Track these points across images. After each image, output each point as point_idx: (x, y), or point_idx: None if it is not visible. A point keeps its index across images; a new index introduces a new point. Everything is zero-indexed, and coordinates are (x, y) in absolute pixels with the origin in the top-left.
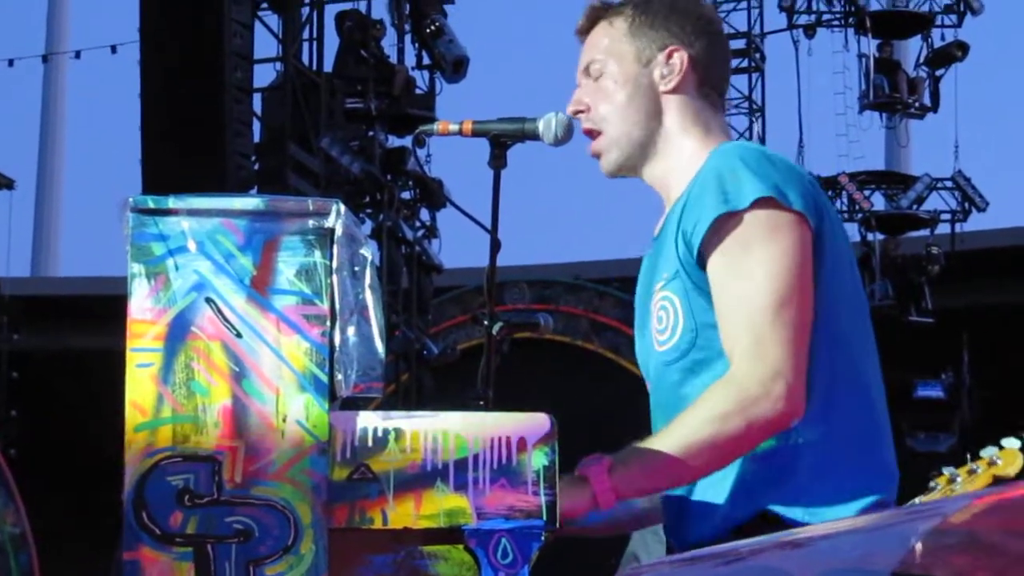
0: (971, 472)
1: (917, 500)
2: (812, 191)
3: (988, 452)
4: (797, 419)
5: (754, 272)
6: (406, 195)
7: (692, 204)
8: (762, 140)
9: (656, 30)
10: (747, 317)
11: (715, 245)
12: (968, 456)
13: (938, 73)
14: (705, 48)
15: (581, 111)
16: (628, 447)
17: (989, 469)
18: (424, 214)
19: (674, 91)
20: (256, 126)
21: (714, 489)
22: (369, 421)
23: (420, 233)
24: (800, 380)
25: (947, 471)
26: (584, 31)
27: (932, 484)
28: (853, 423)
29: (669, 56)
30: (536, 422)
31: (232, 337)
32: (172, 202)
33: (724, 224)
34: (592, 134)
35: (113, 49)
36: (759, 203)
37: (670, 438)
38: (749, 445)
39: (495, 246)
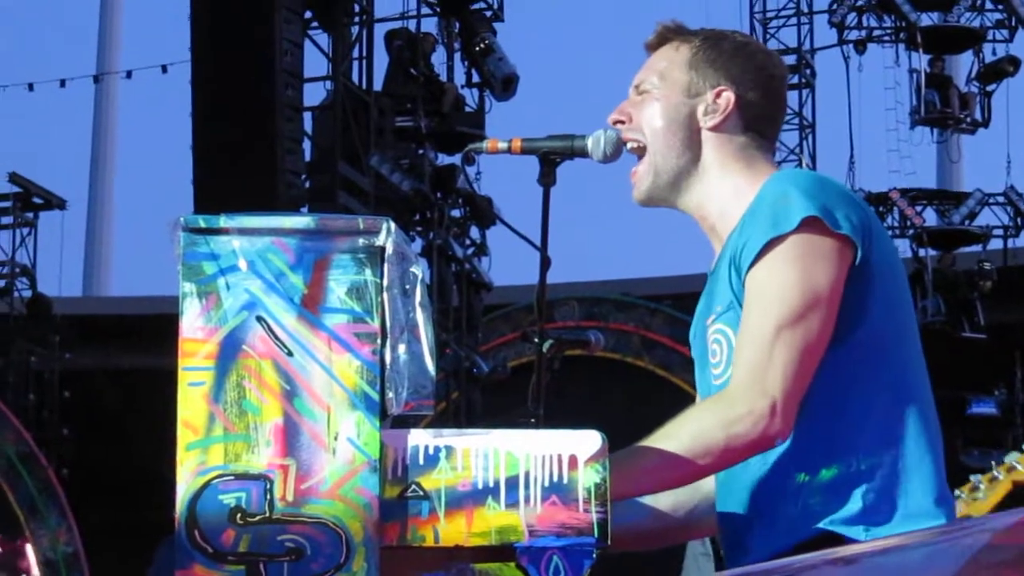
0: (992, 479)
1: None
2: (862, 215)
3: (1010, 458)
4: (782, 440)
5: (771, 292)
6: (456, 213)
7: (745, 228)
8: (813, 156)
9: (715, 68)
10: (751, 335)
11: (754, 267)
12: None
13: (989, 88)
14: (759, 98)
15: (621, 121)
16: (616, 452)
17: (1009, 475)
18: (474, 232)
19: (715, 129)
20: (306, 144)
21: (774, 510)
22: (420, 439)
23: (470, 251)
24: (791, 402)
25: (972, 478)
26: (652, 47)
27: (956, 493)
28: (916, 446)
29: (717, 95)
30: (587, 439)
31: (283, 355)
32: (223, 221)
33: (770, 247)
34: (630, 143)
35: (164, 69)
36: (805, 223)
37: (654, 447)
38: (729, 460)
39: (545, 263)
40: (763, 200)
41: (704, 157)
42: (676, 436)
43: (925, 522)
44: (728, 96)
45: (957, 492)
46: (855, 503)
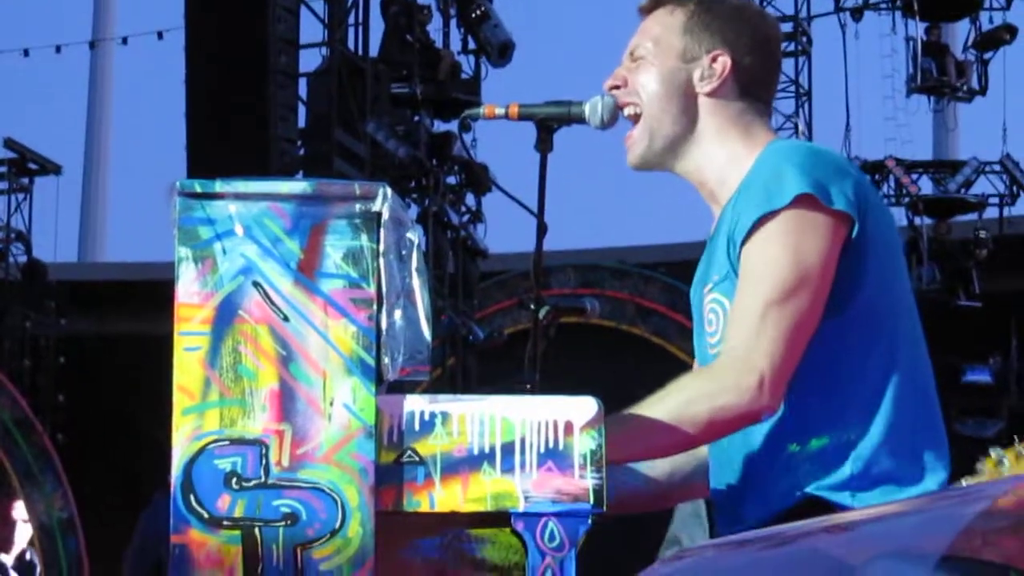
0: (1019, 456)
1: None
2: (858, 188)
3: None
4: (769, 414)
5: (763, 267)
6: (452, 180)
7: (740, 202)
8: (809, 124)
9: (711, 33)
10: (744, 308)
11: (748, 242)
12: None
13: (986, 56)
14: (755, 62)
15: (617, 85)
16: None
17: None
18: (470, 199)
19: (711, 94)
20: (301, 111)
21: (765, 480)
22: (416, 404)
23: (466, 218)
24: (779, 376)
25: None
26: (646, 11)
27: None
28: (905, 417)
29: (713, 60)
30: (583, 405)
31: (279, 321)
32: (219, 186)
33: (763, 222)
34: (627, 107)
35: (159, 35)
36: (798, 200)
37: (641, 415)
38: (715, 432)
39: (541, 230)
40: (758, 174)
41: (700, 123)
42: (662, 405)
43: (912, 490)
44: (724, 61)
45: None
46: (843, 470)
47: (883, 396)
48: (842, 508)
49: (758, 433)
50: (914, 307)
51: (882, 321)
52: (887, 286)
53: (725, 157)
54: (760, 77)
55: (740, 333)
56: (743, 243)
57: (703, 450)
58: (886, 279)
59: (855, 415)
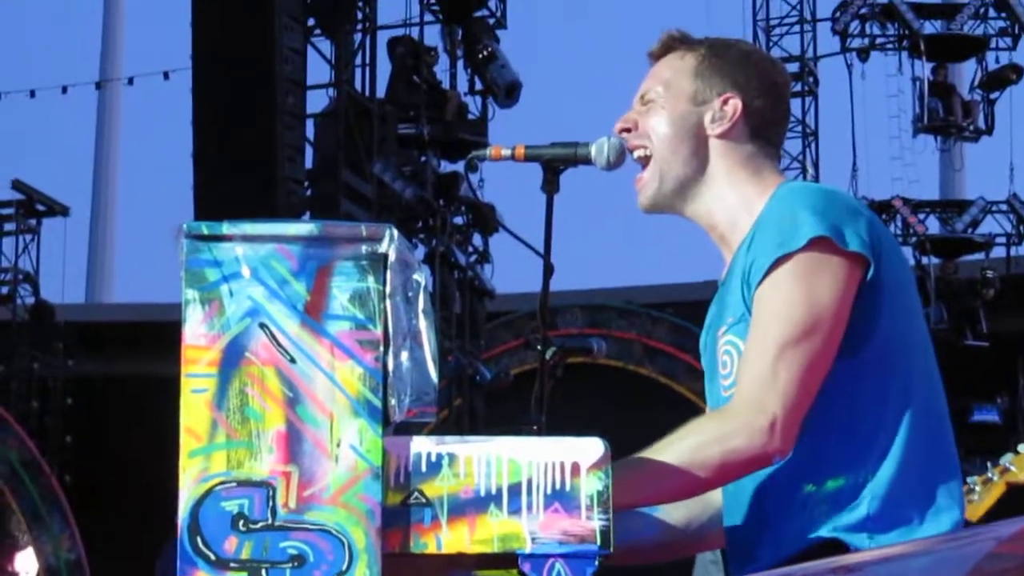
0: (987, 481)
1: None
2: (873, 228)
3: (1004, 459)
4: (781, 457)
5: (777, 309)
6: (458, 220)
7: (755, 245)
8: (816, 164)
9: (722, 76)
10: (757, 350)
11: (762, 284)
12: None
13: (993, 96)
14: (765, 105)
15: (627, 129)
16: (614, 463)
17: (1003, 477)
18: (477, 239)
19: (722, 136)
20: (308, 152)
21: (780, 521)
22: (423, 446)
23: (473, 258)
24: (791, 419)
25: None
26: (656, 56)
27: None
28: (920, 456)
29: (724, 102)
30: (589, 446)
31: (286, 363)
32: (226, 228)
33: (778, 264)
34: (636, 150)
35: (166, 75)
36: (813, 243)
37: (652, 459)
38: (727, 476)
39: (548, 271)
40: (771, 217)
41: (711, 165)
42: (674, 449)
43: (929, 530)
44: (735, 103)
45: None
46: (859, 511)
47: (898, 436)
48: (859, 550)
49: (773, 474)
50: (929, 343)
51: (897, 360)
52: (902, 325)
53: (736, 200)
54: (770, 120)
55: (752, 375)
56: (758, 285)
57: (717, 498)
58: (901, 318)
59: (870, 455)
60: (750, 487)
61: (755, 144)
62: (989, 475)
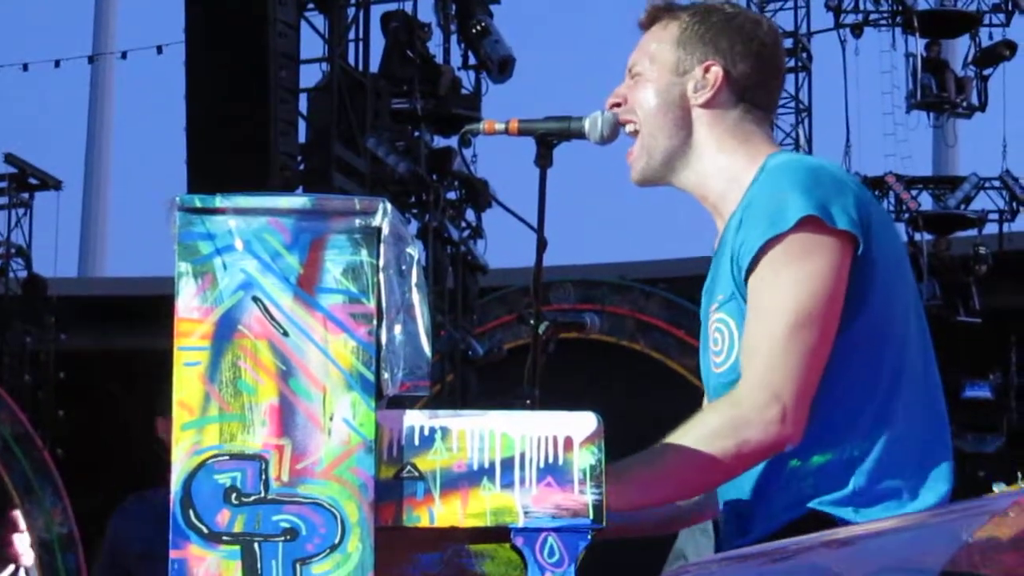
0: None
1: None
2: (861, 204)
3: None
4: (792, 444)
5: (776, 294)
6: (452, 195)
7: (744, 225)
8: (809, 140)
9: (704, 43)
10: (759, 338)
11: (756, 267)
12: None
13: (986, 72)
14: (750, 68)
15: (618, 103)
16: (625, 459)
17: None
18: (470, 214)
19: (706, 105)
20: (302, 126)
21: (769, 492)
22: (416, 420)
23: (466, 233)
24: (801, 405)
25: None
26: (644, 27)
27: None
28: (910, 431)
29: (705, 70)
30: (582, 421)
31: (279, 336)
32: (219, 201)
33: (768, 247)
34: (627, 123)
35: (159, 50)
36: (803, 223)
37: (666, 453)
38: (741, 466)
39: (541, 245)
40: (759, 195)
41: (697, 135)
42: (686, 443)
43: (915, 504)
44: (716, 71)
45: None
46: (846, 485)
47: (888, 411)
48: (845, 523)
49: None
50: (923, 317)
51: (888, 336)
52: (893, 300)
53: (725, 169)
54: (756, 83)
55: (758, 364)
56: (750, 269)
57: None
58: (892, 293)
59: (859, 430)
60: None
61: (741, 110)
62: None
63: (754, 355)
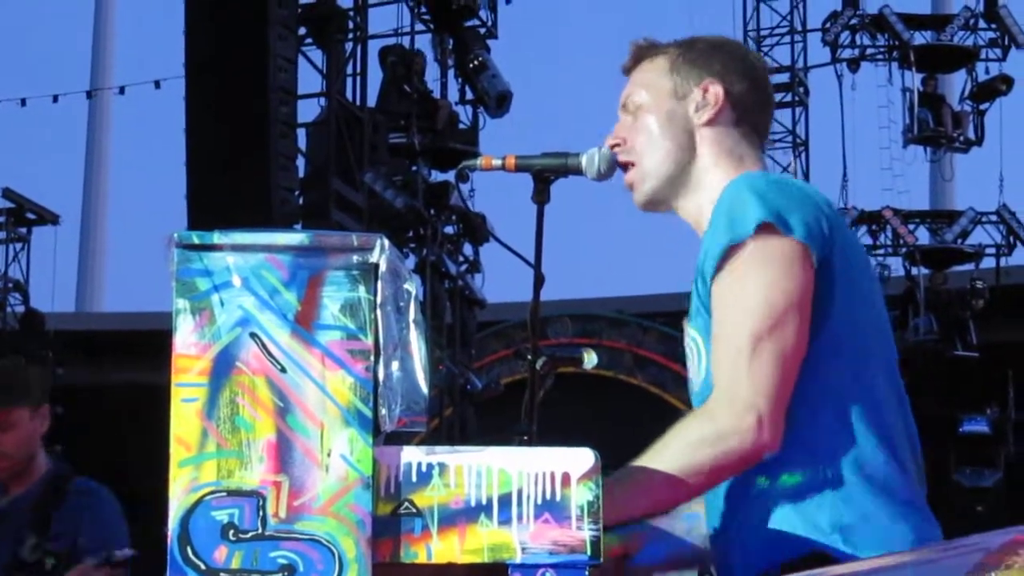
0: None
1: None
2: (823, 219)
3: None
4: (770, 451)
5: (739, 303)
6: (449, 230)
7: (706, 237)
8: (806, 174)
9: (697, 67)
10: (729, 348)
11: (718, 274)
12: None
13: (982, 107)
14: (745, 90)
15: (618, 144)
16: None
17: None
18: (467, 249)
19: (708, 124)
20: (300, 161)
21: (757, 530)
22: (413, 456)
23: (463, 268)
24: (776, 412)
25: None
26: (628, 69)
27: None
28: (878, 449)
29: (705, 90)
30: (580, 457)
31: (276, 372)
32: (217, 237)
33: (728, 255)
34: (627, 166)
35: (157, 84)
36: (761, 229)
37: (645, 468)
38: (720, 477)
39: (538, 281)
40: (720, 207)
41: (700, 156)
42: (663, 457)
43: (900, 530)
44: (716, 89)
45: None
46: (828, 514)
47: (852, 427)
48: (839, 555)
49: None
50: (889, 333)
51: (849, 352)
52: (855, 315)
53: (717, 189)
54: (752, 104)
55: (730, 373)
56: (713, 277)
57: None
58: (854, 308)
59: (827, 448)
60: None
61: (741, 130)
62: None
63: (724, 364)
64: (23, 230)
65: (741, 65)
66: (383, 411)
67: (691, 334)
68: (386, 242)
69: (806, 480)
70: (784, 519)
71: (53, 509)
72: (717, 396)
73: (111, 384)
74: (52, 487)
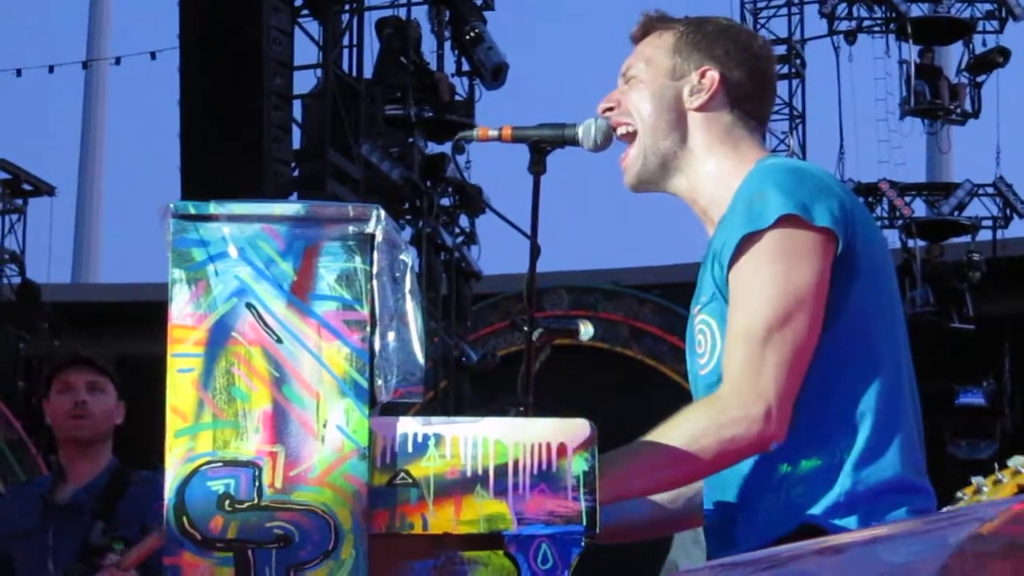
0: (997, 482)
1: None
2: (843, 205)
3: (1014, 461)
4: (777, 442)
5: (758, 292)
6: (445, 201)
7: (725, 223)
8: (803, 146)
9: (700, 50)
10: (742, 336)
11: (736, 263)
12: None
13: (979, 79)
14: (744, 77)
15: (611, 107)
16: (609, 452)
17: (1014, 479)
18: (463, 220)
19: (701, 109)
20: (296, 133)
21: (757, 503)
22: (409, 427)
23: (459, 239)
24: (785, 403)
25: (974, 480)
26: (636, 39)
27: (959, 495)
28: (892, 436)
29: (702, 75)
30: (576, 428)
31: (272, 343)
32: (213, 208)
33: (748, 244)
34: (620, 126)
35: (153, 55)
36: (782, 220)
37: (650, 448)
38: (724, 463)
39: (535, 252)
40: (741, 196)
41: (691, 139)
42: (669, 439)
43: (900, 512)
44: (712, 76)
45: (960, 494)
46: (835, 493)
47: (873, 415)
48: (836, 530)
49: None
50: (903, 322)
51: (871, 338)
52: (875, 301)
53: (715, 174)
54: (750, 92)
55: (741, 361)
56: (730, 266)
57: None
58: (875, 294)
59: (843, 433)
60: (727, 469)
61: (735, 116)
62: (999, 476)
63: (736, 354)
64: (19, 201)
65: (745, 53)
66: (379, 382)
67: (703, 318)
68: (382, 213)
69: (823, 464)
70: (794, 500)
71: (118, 498)
72: (727, 384)
73: (107, 355)
74: (116, 478)
